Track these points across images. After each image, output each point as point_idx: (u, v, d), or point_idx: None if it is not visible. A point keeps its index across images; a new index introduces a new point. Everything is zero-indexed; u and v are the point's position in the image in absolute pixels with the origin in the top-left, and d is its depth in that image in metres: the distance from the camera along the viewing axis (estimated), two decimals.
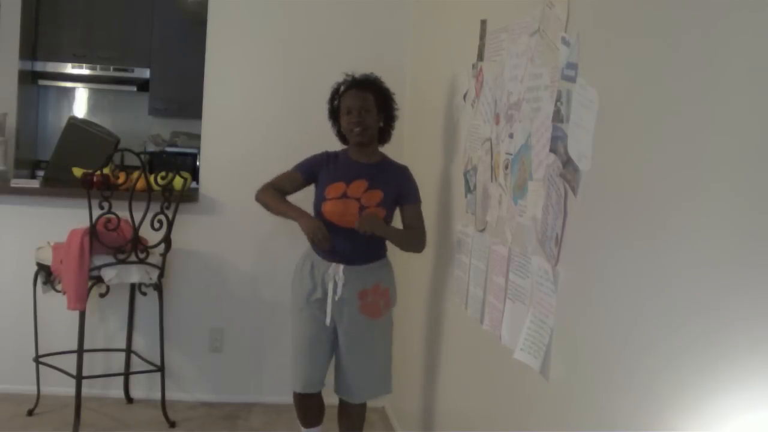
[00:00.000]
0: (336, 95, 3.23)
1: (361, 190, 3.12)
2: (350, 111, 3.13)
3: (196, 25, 4.77)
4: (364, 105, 3.13)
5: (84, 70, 5.79)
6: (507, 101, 2.49)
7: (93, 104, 6.26)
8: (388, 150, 3.32)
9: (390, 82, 3.28)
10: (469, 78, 3.01)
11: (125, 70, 5.81)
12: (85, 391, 3.83)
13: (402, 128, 4.21)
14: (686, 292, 1.41)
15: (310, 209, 3.17)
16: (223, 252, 4.35)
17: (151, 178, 3.90)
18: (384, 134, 3.24)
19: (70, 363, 3.82)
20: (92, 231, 3.66)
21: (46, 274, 3.88)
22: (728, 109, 1.33)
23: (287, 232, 4.19)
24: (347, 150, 3.25)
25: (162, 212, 3.85)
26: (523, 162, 2.30)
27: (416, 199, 3.20)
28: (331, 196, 3.12)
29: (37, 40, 5.68)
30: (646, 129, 1.61)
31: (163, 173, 3.87)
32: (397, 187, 3.17)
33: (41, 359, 3.96)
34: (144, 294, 3.98)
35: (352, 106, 3.13)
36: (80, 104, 6.26)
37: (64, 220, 3.91)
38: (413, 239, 3.20)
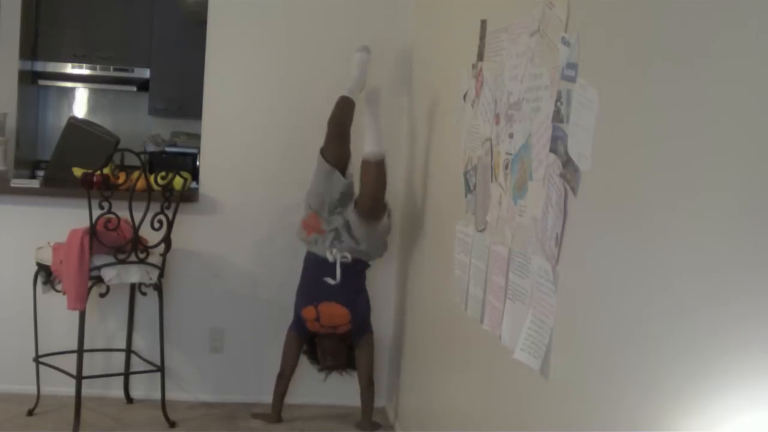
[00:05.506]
0: None
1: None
2: None
3: (196, 25, 4.77)
4: None
5: (84, 70, 5.79)
6: (507, 101, 2.49)
7: (93, 104, 6.26)
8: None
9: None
10: (469, 78, 3.01)
11: (125, 70, 5.81)
12: (85, 391, 3.83)
13: (402, 128, 4.22)
14: (686, 292, 1.41)
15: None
16: (223, 252, 4.35)
17: (151, 178, 3.89)
18: None
19: (70, 363, 3.82)
20: (92, 231, 3.66)
21: (46, 274, 3.87)
22: (729, 108, 1.33)
23: (287, 232, 4.19)
24: None
25: (162, 212, 3.85)
26: (523, 162, 2.30)
27: None
28: None
29: (37, 40, 5.67)
30: (646, 129, 1.61)
31: (163, 173, 3.87)
32: None
33: (41, 359, 3.96)
34: (144, 294, 3.97)
35: None
36: (80, 104, 6.25)
37: (64, 220, 3.91)
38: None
